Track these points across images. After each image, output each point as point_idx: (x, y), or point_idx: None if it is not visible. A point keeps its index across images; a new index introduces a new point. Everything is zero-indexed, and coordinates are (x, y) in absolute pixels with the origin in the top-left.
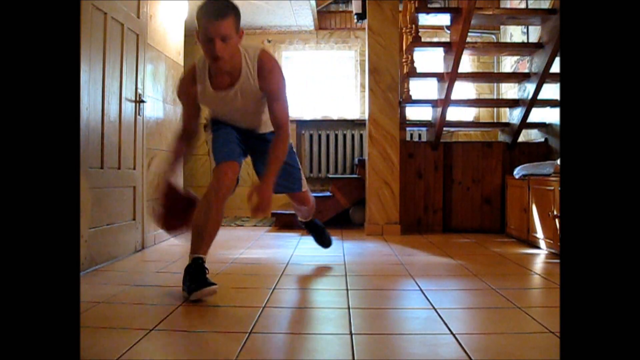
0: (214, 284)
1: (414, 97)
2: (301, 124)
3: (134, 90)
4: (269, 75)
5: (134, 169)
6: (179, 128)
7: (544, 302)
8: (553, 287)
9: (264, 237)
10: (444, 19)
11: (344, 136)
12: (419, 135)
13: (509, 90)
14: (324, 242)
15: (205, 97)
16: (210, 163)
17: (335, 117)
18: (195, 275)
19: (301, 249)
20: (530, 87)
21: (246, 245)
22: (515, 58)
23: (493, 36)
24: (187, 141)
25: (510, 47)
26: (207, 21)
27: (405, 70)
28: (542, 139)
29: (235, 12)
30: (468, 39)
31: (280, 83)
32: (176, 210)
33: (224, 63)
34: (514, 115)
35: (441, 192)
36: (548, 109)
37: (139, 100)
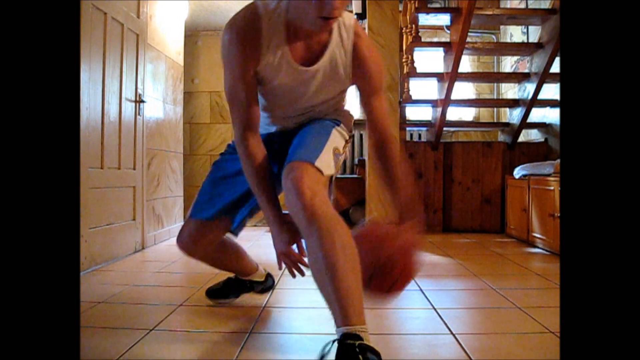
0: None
1: (414, 97)
2: None
3: (134, 90)
4: (368, 58)
5: (134, 169)
6: (243, 136)
7: (544, 302)
8: (553, 287)
9: (264, 237)
10: (444, 19)
11: None
12: (419, 135)
13: (509, 90)
14: None
15: (276, 72)
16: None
17: None
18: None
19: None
20: (530, 87)
21: (246, 245)
22: (515, 58)
23: (493, 36)
24: (259, 140)
25: (510, 47)
26: None
27: (405, 70)
28: (542, 139)
29: None
30: (468, 39)
31: (382, 73)
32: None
33: (331, 25)
34: (514, 115)
35: (441, 192)
36: (548, 109)
37: (139, 100)
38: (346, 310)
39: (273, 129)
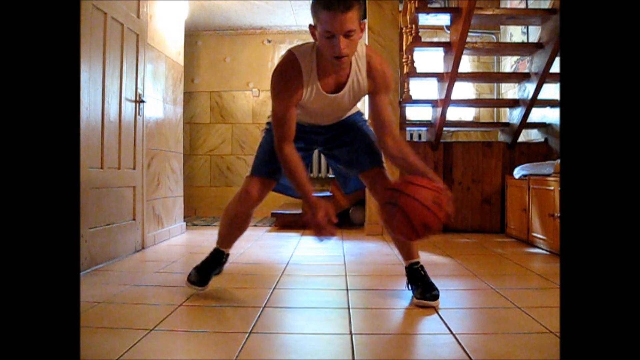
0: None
1: (414, 97)
2: None
3: (134, 90)
4: (382, 74)
5: (134, 169)
6: (279, 147)
7: (544, 302)
8: (553, 287)
9: (264, 237)
10: (444, 19)
11: None
12: (419, 135)
13: (509, 90)
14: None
15: (311, 100)
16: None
17: None
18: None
19: (301, 249)
20: (530, 87)
21: (246, 246)
22: (515, 58)
23: (493, 36)
24: (293, 147)
25: (510, 47)
26: (330, 14)
27: (405, 70)
28: (542, 139)
29: (359, 1)
30: (468, 39)
31: (389, 80)
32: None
33: (345, 62)
34: (514, 115)
35: None
36: (548, 109)
37: (139, 100)
38: (412, 253)
39: (310, 122)
